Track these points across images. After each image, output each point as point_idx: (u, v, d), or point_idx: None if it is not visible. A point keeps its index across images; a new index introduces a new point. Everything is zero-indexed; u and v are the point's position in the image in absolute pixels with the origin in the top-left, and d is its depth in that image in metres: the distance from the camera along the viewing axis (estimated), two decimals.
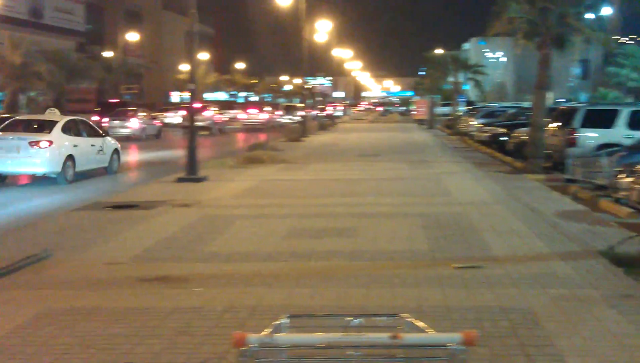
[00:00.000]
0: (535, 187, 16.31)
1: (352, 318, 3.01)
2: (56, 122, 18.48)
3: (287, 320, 3.00)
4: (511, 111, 33.23)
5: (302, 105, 46.30)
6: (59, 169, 17.63)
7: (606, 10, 24.53)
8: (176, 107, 55.13)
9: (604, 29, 22.49)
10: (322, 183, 17.33)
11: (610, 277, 7.84)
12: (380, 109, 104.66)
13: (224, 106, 57.04)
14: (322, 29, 48.07)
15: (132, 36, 70.84)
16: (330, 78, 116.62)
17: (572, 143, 19.04)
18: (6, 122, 19.66)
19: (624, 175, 13.29)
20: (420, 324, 2.93)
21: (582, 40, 22.42)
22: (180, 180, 17.29)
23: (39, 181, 18.19)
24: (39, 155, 17.41)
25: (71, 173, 18.12)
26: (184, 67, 59.45)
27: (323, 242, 9.88)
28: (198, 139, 18.31)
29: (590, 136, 19.03)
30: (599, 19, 23.13)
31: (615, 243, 9.37)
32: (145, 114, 40.01)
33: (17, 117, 21.39)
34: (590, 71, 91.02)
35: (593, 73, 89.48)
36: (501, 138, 26.97)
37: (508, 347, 5.62)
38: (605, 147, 17.55)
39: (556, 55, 21.27)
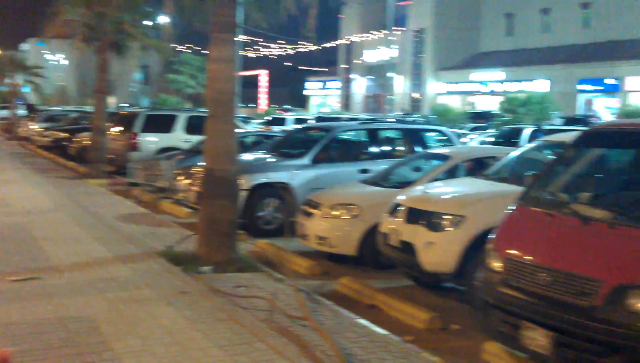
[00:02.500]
0: (98, 192, 16.29)
1: None
2: None
3: None
4: (73, 115, 32.73)
5: None
6: None
7: (163, 19, 25.55)
8: None
9: (160, 37, 23.34)
10: None
11: (168, 276, 8.21)
12: None
13: None
14: None
15: None
16: None
17: (133, 147, 19.42)
18: None
19: (182, 177, 13.99)
20: None
21: (140, 46, 23.06)
22: None
23: None
24: None
25: None
26: None
27: None
28: None
29: (151, 141, 19.61)
30: (156, 27, 24.00)
31: (174, 242, 9.86)
32: None
33: None
34: (151, 77, 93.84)
35: (154, 79, 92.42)
36: (63, 143, 26.36)
37: (67, 357, 5.52)
38: (165, 151, 18.27)
39: (116, 60, 21.52)
